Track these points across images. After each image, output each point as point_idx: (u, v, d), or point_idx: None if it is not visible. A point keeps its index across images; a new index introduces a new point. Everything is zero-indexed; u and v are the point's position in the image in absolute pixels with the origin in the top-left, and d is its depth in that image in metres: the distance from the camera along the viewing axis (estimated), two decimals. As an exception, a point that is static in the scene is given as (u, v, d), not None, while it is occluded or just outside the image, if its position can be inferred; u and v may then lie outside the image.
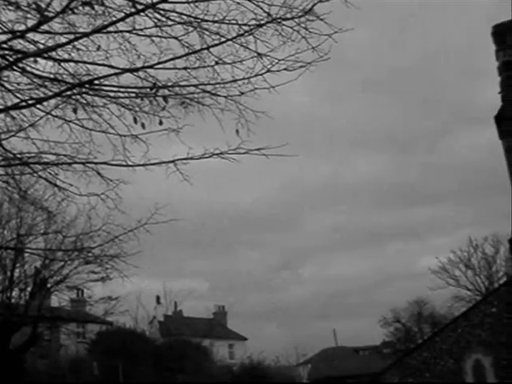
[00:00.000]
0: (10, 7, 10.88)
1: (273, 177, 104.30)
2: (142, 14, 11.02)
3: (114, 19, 11.11)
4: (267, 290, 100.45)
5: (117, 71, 11.63)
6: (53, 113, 12.23)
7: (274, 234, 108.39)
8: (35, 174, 13.21)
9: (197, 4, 10.94)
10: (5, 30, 11.06)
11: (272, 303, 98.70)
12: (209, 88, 11.64)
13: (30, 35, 11.18)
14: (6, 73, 11.63)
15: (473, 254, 66.38)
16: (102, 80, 11.69)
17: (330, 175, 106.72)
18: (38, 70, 11.67)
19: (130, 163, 12.49)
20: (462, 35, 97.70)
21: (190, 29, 11.06)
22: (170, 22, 11.02)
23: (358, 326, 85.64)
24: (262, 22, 10.62)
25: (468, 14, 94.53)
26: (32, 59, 11.39)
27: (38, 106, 12.02)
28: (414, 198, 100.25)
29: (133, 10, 10.96)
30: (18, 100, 11.89)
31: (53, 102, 12.06)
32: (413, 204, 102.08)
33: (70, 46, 11.43)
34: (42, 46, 11.30)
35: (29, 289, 37.42)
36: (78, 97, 11.98)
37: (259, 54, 10.88)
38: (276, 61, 10.88)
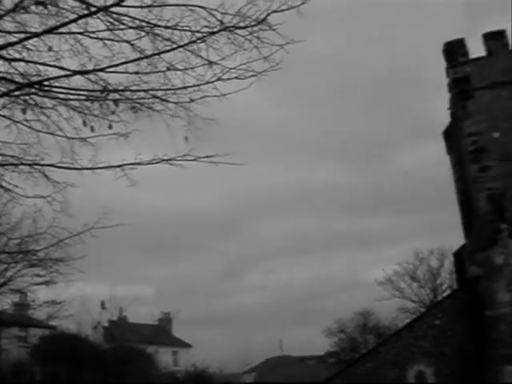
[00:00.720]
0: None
1: (223, 183, 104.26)
2: (95, 16, 10.95)
3: (67, 20, 11.01)
4: (214, 297, 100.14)
5: (67, 73, 11.52)
6: (0, 112, 12.07)
7: (222, 241, 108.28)
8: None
9: (151, 9, 10.90)
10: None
11: (218, 310, 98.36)
12: (159, 94, 11.60)
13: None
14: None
15: (418, 266, 67.18)
16: (52, 81, 11.57)
17: (280, 182, 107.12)
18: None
19: (77, 166, 12.37)
20: (423, 49, 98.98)
21: (143, 33, 11.02)
22: (122, 26, 10.95)
23: (303, 335, 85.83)
24: (215, 29, 10.63)
25: (429, 29, 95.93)
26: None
27: (-15, 105, 11.84)
28: (364, 208, 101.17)
29: (86, 11, 10.87)
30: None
31: (1, 101, 11.90)
32: (363, 214, 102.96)
33: (20, 46, 11.29)
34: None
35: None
36: (27, 97, 11.83)
37: (210, 62, 10.88)
38: (227, 69, 10.89)
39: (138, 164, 12.02)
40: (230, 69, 10.89)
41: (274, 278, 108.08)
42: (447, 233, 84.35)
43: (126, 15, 11.03)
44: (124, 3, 10.83)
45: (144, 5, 10.89)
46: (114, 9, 10.90)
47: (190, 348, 73.45)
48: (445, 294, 55.54)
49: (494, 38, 30.98)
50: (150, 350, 52.54)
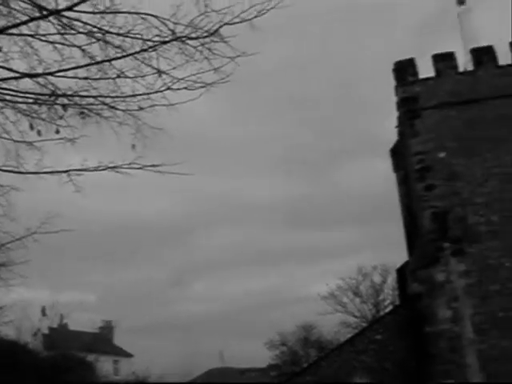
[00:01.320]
0: None
1: (172, 191, 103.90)
2: (47, 19, 10.84)
3: (18, 22, 10.90)
4: (159, 305, 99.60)
5: (16, 75, 11.38)
6: None
7: (169, 249, 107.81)
8: None
9: (103, 15, 10.85)
10: None
11: (162, 319, 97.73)
12: (108, 100, 11.53)
13: None
14: None
15: (361, 281, 67.79)
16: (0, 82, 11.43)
17: (229, 193, 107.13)
18: None
19: (22, 170, 12.21)
20: (375, 66, 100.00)
21: (94, 39, 10.95)
22: (73, 31, 10.87)
23: (245, 347, 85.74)
24: (167, 39, 10.62)
25: (380, 47, 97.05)
26: None
27: None
28: (310, 221, 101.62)
29: (37, 14, 10.77)
30: None
31: None
32: (309, 228, 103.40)
33: (-32, 46, 11.14)
34: None
35: None
36: (-27, 98, 11.66)
37: (160, 71, 10.86)
38: (176, 79, 10.88)
39: (85, 170, 11.93)
40: (180, 79, 10.89)
41: (220, 288, 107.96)
42: (391, 249, 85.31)
43: (77, 20, 10.94)
44: (76, 8, 10.76)
45: (96, 11, 10.82)
46: (66, 13, 10.81)
47: (131, 357, 72.80)
48: (387, 310, 56.07)
49: (443, 60, 31.52)
50: (90, 359, 51.97)
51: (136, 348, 72.59)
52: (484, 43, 32.57)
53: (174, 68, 11.04)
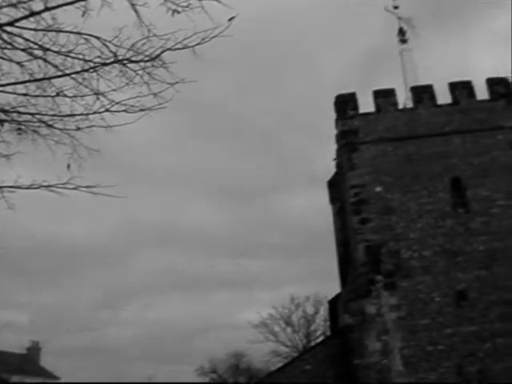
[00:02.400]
0: None
1: (107, 213, 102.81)
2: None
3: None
4: (88, 328, 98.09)
5: (-49, 87, 11.21)
6: None
7: (102, 271, 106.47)
8: None
9: (45, 33, 10.78)
10: None
11: (92, 341, 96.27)
12: (46, 118, 11.42)
13: None
14: None
15: (294, 311, 68.01)
16: None
17: (164, 218, 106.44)
18: None
19: (-47, 184, 11.96)
20: (315, 98, 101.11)
21: (33, 57, 10.85)
22: (13, 46, 10.76)
23: (175, 373, 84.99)
24: (108, 61, 10.60)
25: (324, 79, 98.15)
26: None
27: None
28: (244, 250, 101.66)
29: (-24, 27, 10.64)
30: None
31: None
32: (243, 256, 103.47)
33: None
34: None
35: None
36: None
37: (97, 93, 10.82)
38: (115, 102, 10.86)
39: (18, 187, 11.73)
40: (117, 102, 10.85)
41: (151, 312, 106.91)
42: (324, 280, 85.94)
43: (19, 36, 10.85)
44: (18, 24, 10.67)
45: (39, 28, 10.75)
46: (7, 28, 10.70)
47: (58, 379, 71.41)
48: (318, 340, 56.29)
49: (383, 96, 32.14)
50: (15, 380, 50.91)
51: (63, 370, 71.29)
52: (424, 82, 33.40)
53: (114, 90, 11.00)
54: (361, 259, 30.33)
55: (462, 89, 32.21)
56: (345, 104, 32.30)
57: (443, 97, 32.43)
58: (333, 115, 32.95)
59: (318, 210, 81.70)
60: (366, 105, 32.35)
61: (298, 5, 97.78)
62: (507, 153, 31.20)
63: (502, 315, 28.93)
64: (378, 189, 30.82)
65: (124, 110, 10.91)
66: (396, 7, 38.29)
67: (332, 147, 35.55)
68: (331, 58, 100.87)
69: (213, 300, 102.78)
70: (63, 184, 11.40)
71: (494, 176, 30.86)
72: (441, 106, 32.08)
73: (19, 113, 11.49)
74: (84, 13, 10.63)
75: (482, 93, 32.40)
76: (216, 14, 10.75)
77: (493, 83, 32.35)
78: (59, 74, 10.95)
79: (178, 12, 10.74)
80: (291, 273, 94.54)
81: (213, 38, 10.86)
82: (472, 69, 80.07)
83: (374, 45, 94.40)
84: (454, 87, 32.23)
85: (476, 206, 30.46)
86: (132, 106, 10.86)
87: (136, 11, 10.61)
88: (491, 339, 28.62)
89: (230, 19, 11.01)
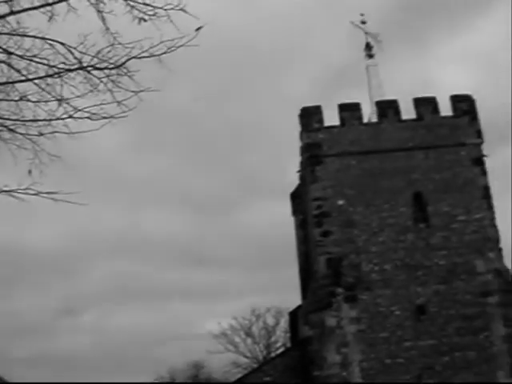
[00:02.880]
0: None
1: (66, 220, 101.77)
2: None
3: None
4: (45, 336, 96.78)
5: None
6: None
7: (59, 279, 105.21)
8: None
9: (10, 37, 10.70)
10: None
11: (49, 349, 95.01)
12: (8, 123, 11.31)
13: None
14: None
15: (254, 322, 67.91)
16: None
17: (123, 226, 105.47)
18: None
19: None
20: (280, 111, 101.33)
21: (-4, 60, 10.77)
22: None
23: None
24: (72, 67, 10.54)
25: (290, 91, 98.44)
26: None
27: None
28: (206, 260, 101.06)
29: None
30: None
31: None
32: (204, 266, 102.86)
33: None
34: None
35: None
36: None
37: (60, 100, 10.76)
38: (78, 108, 10.80)
39: (-24, 191, 11.60)
40: (79, 110, 10.79)
41: (110, 320, 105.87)
42: (286, 292, 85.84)
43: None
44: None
45: (3, 31, 10.68)
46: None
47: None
48: (278, 352, 56.30)
49: (348, 109, 32.29)
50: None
51: (15, 379, 70.15)
52: (389, 96, 33.65)
53: (78, 97, 10.95)
54: (322, 271, 30.44)
55: (427, 105, 32.53)
56: (310, 117, 32.38)
57: (408, 112, 32.72)
58: (298, 128, 33.00)
59: (281, 221, 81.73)
60: (332, 118, 32.44)
61: (263, 17, 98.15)
62: (469, 169, 31.59)
63: (460, 329, 29.27)
64: (341, 202, 30.98)
65: (87, 117, 10.86)
66: (363, 22, 38.59)
67: (296, 160, 35.68)
68: (298, 71, 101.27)
69: (174, 310, 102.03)
70: (24, 189, 11.29)
71: (456, 192, 31.22)
72: (405, 121, 32.35)
73: (-19, 116, 11.37)
74: (50, 18, 10.58)
75: (445, 109, 32.77)
76: (185, 23, 10.76)
77: (457, 100, 32.73)
78: (23, 78, 10.86)
79: (145, 20, 10.74)
80: (253, 284, 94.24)
81: (179, 47, 10.87)
82: (436, 85, 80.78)
83: (342, 59, 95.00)
84: (419, 103, 32.53)
85: (437, 221, 30.78)
86: (94, 113, 10.80)
87: (103, 18, 10.59)
88: (449, 353, 28.93)
89: (198, 29, 11.03)
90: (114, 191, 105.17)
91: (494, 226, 30.85)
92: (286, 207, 39.36)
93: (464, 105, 32.67)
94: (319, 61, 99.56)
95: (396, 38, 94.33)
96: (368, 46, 38.36)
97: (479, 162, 31.83)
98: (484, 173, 31.66)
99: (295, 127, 33.04)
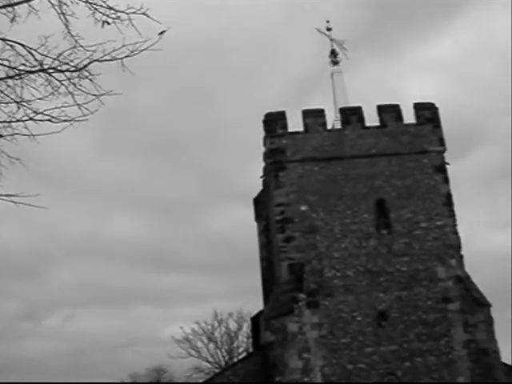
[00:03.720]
0: None
1: (28, 223, 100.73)
2: None
3: None
4: (5, 342, 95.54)
5: None
6: None
7: (19, 283, 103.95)
8: None
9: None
10: None
11: (9, 356, 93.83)
12: (-33, 124, 11.17)
13: None
14: None
15: (217, 327, 67.75)
16: None
17: (85, 230, 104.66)
18: None
19: None
20: (245, 117, 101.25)
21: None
22: None
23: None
24: (33, 69, 10.44)
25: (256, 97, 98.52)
26: None
27: None
28: (168, 265, 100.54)
29: None
30: None
31: None
32: (166, 271, 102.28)
33: None
34: None
35: None
36: None
37: (19, 102, 10.64)
38: (39, 111, 10.70)
39: None
40: (39, 112, 10.68)
41: (72, 325, 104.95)
42: (248, 297, 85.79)
43: None
44: None
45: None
46: None
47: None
48: (240, 357, 56.24)
49: (312, 116, 32.40)
50: None
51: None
52: (354, 103, 33.83)
53: (40, 99, 10.85)
54: (284, 277, 30.47)
55: (390, 112, 32.77)
56: (274, 122, 32.41)
57: (373, 119, 32.91)
58: (263, 134, 32.95)
59: (245, 226, 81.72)
60: (298, 125, 32.49)
61: (229, 23, 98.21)
62: (431, 176, 31.86)
63: (421, 335, 29.50)
64: (304, 208, 31.05)
65: (48, 120, 10.76)
66: (329, 29, 38.80)
67: (260, 165, 35.68)
68: (264, 77, 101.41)
69: (137, 314, 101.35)
70: (-18, 191, 11.16)
71: (418, 199, 31.48)
72: (368, 128, 32.53)
73: None
74: (12, 19, 10.48)
75: (410, 116, 33.02)
76: (152, 28, 10.72)
77: (420, 108, 33.02)
78: (-18, 79, 10.73)
79: (108, 23, 10.68)
80: (216, 289, 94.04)
81: (142, 51, 10.82)
82: (404, 93, 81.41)
83: (308, 66, 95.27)
84: (382, 110, 32.76)
85: (399, 228, 31.00)
86: (54, 117, 10.69)
87: (66, 20, 10.50)
88: (410, 358, 29.14)
89: (161, 33, 11.00)
90: (77, 194, 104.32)
91: (456, 233, 31.15)
92: (250, 212, 39.39)
93: (427, 112, 32.96)
94: (286, 67, 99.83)
95: (363, 46, 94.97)
96: (333, 53, 38.59)
97: (441, 169, 32.13)
98: (446, 180, 31.97)
99: (260, 133, 33.02)
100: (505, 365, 30.98)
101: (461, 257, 30.91)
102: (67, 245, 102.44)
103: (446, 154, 32.56)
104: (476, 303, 30.08)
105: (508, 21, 78.96)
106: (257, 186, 38.20)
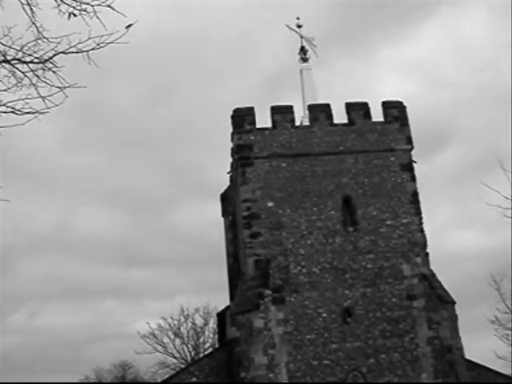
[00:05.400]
0: None
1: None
2: None
3: None
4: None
5: None
6: None
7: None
8: None
9: None
10: None
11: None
12: None
13: None
14: None
15: (183, 323, 67.64)
16: None
17: (53, 224, 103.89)
18: None
19: None
20: (214, 113, 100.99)
21: None
22: None
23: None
24: (-4, 60, 10.33)
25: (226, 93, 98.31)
26: None
27: None
28: (134, 260, 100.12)
29: None
30: None
31: None
32: (132, 266, 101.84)
33: None
34: None
35: None
36: None
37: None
38: (3, 102, 10.59)
39: None
40: (2, 105, 10.57)
41: (38, 321, 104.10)
42: (215, 293, 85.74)
43: None
44: None
45: None
46: None
47: None
48: (206, 353, 56.23)
49: (280, 112, 32.45)
50: None
51: None
52: (324, 101, 33.88)
53: (4, 90, 10.73)
54: (250, 273, 30.50)
55: (359, 110, 32.91)
56: (242, 118, 32.38)
57: (342, 116, 33.01)
58: (230, 129, 32.92)
59: (211, 222, 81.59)
60: (266, 121, 32.48)
61: (198, 18, 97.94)
62: (398, 174, 32.07)
63: (385, 332, 29.73)
64: (270, 204, 31.09)
65: (12, 112, 10.65)
66: (299, 26, 38.82)
67: (227, 161, 35.65)
68: (233, 73, 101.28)
69: (103, 309, 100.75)
70: None
71: (384, 196, 31.68)
72: (336, 125, 32.65)
73: None
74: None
75: (379, 115, 33.15)
76: (121, 22, 10.65)
77: (388, 106, 33.22)
78: None
79: (75, 15, 10.58)
80: (182, 284, 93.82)
81: (108, 44, 10.74)
82: (373, 92, 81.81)
83: (278, 63, 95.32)
84: (351, 108, 32.91)
85: (365, 225, 31.18)
86: (18, 109, 10.58)
87: (32, 11, 10.40)
88: (375, 355, 29.36)
89: (128, 26, 10.93)
90: (45, 189, 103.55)
91: (422, 231, 31.41)
92: (217, 207, 39.38)
93: (395, 111, 33.16)
94: (256, 63, 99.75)
95: (333, 43, 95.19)
96: (303, 50, 38.61)
97: (408, 167, 32.35)
98: (413, 178, 32.21)
99: (229, 128, 32.99)
100: (468, 361, 31.32)
101: (426, 255, 31.17)
102: (35, 239, 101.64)
103: (415, 153, 32.82)
104: (440, 301, 30.36)
105: (478, 21, 79.77)
106: (224, 182, 38.23)
